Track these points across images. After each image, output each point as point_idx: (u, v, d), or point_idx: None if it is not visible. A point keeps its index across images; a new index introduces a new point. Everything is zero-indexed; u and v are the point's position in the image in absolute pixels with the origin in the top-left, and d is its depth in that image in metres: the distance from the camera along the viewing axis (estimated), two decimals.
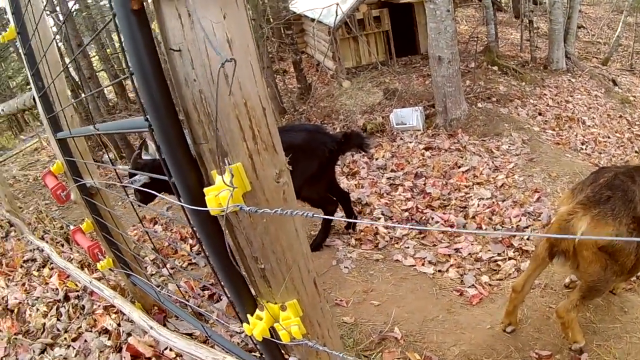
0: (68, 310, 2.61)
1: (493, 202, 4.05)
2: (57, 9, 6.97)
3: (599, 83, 8.18)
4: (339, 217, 3.75)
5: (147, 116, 0.82)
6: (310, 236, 3.54)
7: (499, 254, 3.19)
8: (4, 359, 2.34)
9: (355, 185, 4.66)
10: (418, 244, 3.41)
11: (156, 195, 1.23)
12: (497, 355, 2.22)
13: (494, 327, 2.40)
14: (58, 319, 2.57)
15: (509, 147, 5.35)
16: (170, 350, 2.07)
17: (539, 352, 2.21)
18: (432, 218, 3.87)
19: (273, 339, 1.05)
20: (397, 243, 3.47)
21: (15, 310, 2.72)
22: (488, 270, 3.05)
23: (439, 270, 3.07)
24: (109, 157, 2.45)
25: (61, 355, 2.26)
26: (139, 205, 3.15)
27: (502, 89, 7.14)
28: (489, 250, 3.24)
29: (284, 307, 0.99)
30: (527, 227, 3.60)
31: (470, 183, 4.50)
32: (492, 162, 4.95)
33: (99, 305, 2.58)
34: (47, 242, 3.51)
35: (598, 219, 1.90)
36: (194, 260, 3.26)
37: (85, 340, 2.33)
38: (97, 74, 8.67)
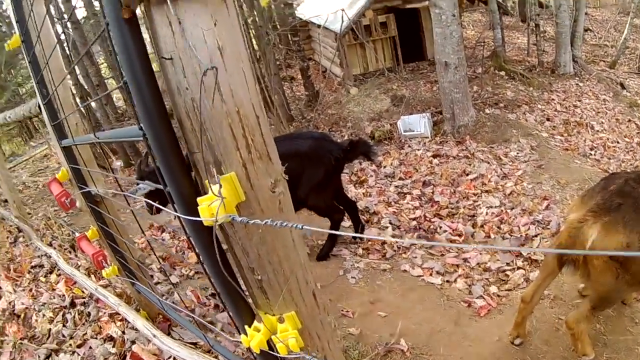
0: (74, 317, 2.62)
1: (502, 211, 3.99)
2: (65, 16, 7.07)
3: (606, 87, 8.06)
4: (347, 226, 3.72)
5: (141, 125, 0.81)
6: (318, 245, 3.51)
7: (507, 264, 3.13)
8: None
9: (363, 193, 4.63)
10: (426, 254, 3.37)
11: (164, 204, 1.21)
12: None
13: (502, 340, 2.35)
14: (64, 325, 2.57)
15: (517, 153, 5.29)
16: (174, 359, 2.06)
17: None
18: (440, 227, 3.82)
19: (271, 352, 1.02)
20: (404, 253, 3.43)
21: (22, 315, 2.73)
22: (497, 281, 3.00)
23: (447, 281, 3.02)
24: (120, 164, 2.45)
25: None
26: (150, 214, 3.15)
27: (509, 94, 7.07)
28: (498, 260, 3.19)
29: (282, 319, 0.97)
30: (536, 236, 3.54)
31: (478, 191, 4.45)
32: (501, 169, 4.88)
33: (105, 313, 2.58)
34: (54, 248, 3.53)
35: (609, 227, 1.86)
36: (200, 269, 3.25)
37: (90, 347, 2.33)
38: (105, 81, 8.76)
